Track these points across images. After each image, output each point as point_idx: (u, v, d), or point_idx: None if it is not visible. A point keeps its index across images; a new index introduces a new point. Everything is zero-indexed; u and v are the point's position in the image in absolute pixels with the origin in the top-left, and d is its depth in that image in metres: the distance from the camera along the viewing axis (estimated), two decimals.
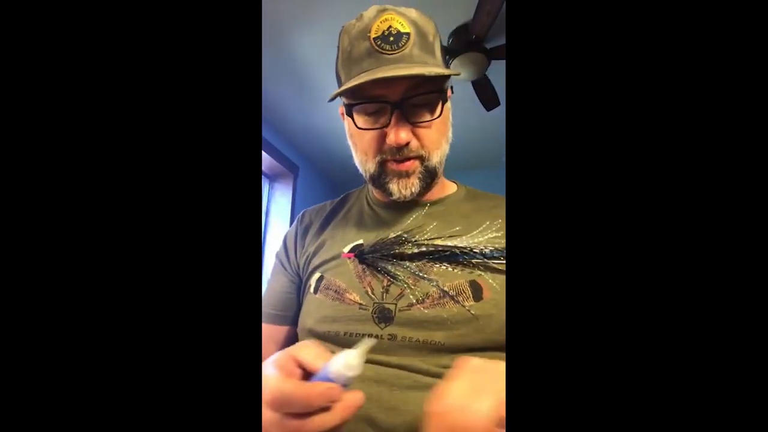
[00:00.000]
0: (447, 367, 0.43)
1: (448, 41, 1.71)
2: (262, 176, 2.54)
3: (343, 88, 0.49)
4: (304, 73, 1.94)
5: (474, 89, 1.89)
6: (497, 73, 1.82)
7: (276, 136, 2.47)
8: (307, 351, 0.30)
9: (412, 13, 0.51)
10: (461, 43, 1.66)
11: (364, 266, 0.48)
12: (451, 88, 0.58)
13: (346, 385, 0.29)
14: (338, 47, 0.53)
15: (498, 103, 1.98)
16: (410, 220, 0.53)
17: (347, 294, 0.49)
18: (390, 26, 0.48)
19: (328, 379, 0.29)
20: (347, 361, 0.29)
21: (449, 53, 1.69)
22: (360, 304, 0.48)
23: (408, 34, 0.48)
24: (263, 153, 2.29)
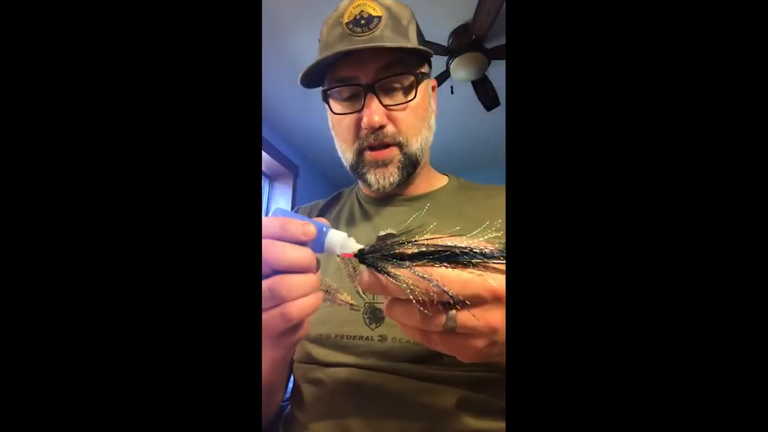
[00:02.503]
0: (437, 371, 0.42)
1: (448, 41, 1.71)
2: (262, 176, 2.54)
3: (308, 66, 0.49)
4: None
5: (474, 89, 1.90)
6: (497, 73, 1.82)
7: (276, 136, 2.47)
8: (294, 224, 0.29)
9: (387, 0, 0.51)
10: (461, 43, 1.66)
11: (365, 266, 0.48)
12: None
13: (322, 253, 0.30)
14: (319, 40, 0.54)
15: (498, 103, 1.98)
16: (411, 219, 0.53)
17: (338, 294, 0.48)
18: (362, 11, 0.49)
19: (320, 242, 0.29)
20: (346, 242, 0.29)
21: (449, 53, 1.69)
22: (351, 304, 0.47)
23: (379, 17, 0.49)
24: (263, 153, 2.29)
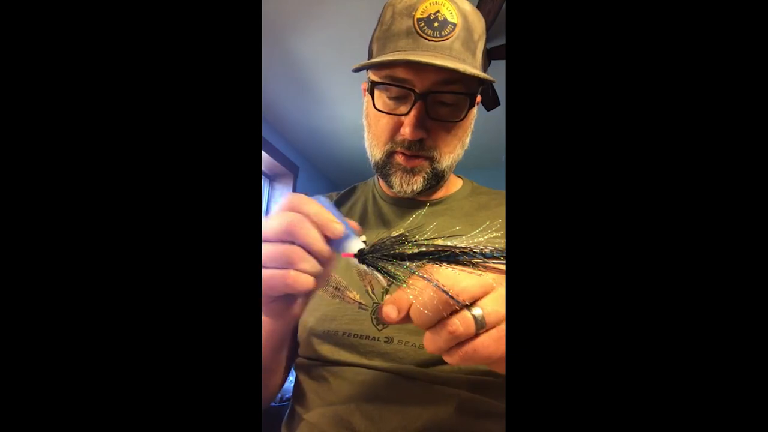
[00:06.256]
0: (440, 374, 0.43)
1: None
2: (262, 176, 2.54)
3: (372, 61, 0.46)
4: (304, 73, 1.94)
5: None
6: (497, 73, 1.82)
7: (276, 136, 2.47)
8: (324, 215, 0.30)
9: (466, 5, 0.47)
10: None
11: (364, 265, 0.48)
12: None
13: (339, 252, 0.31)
14: (379, 20, 0.50)
15: (498, 103, 1.98)
16: (410, 219, 0.53)
17: (347, 292, 0.48)
18: (438, 11, 0.45)
19: (340, 243, 0.31)
20: (358, 245, 0.30)
21: None
22: (360, 303, 0.47)
23: (454, 24, 0.45)
24: (263, 153, 2.29)
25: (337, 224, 0.30)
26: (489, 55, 1.68)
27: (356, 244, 0.31)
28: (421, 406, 0.41)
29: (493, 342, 0.26)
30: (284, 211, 0.30)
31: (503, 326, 0.26)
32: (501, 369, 0.28)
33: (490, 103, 1.98)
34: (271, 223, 0.30)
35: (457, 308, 0.25)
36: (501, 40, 1.66)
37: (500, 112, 2.10)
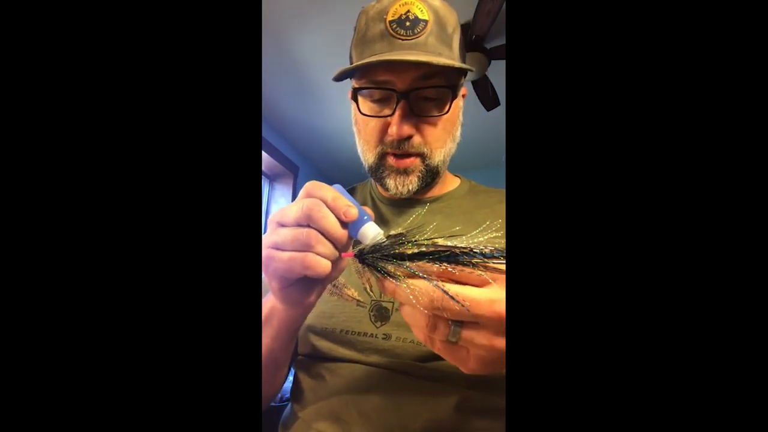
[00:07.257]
0: (438, 370, 0.43)
1: None
2: (262, 176, 2.54)
3: (348, 67, 0.47)
4: (304, 73, 1.94)
5: (474, 89, 1.89)
6: (497, 73, 1.82)
7: (276, 136, 2.47)
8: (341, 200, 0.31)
9: (435, 1, 0.48)
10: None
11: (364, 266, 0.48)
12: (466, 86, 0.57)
13: (353, 238, 0.32)
14: (355, 28, 0.52)
15: (498, 103, 1.98)
16: (410, 220, 0.53)
17: (345, 289, 0.48)
18: (408, 10, 0.46)
19: (356, 228, 0.31)
20: (377, 238, 0.31)
21: None
22: (358, 300, 0.47)
23: (426, 21, 0.46)
24: (263, 153, 2.29)
25: (352, 208, 0.31)
26: (489, 55, 1.68)
27: (372, 229, 0.31)
28: (420, 403, 0.41)
29: (446, 351, 0.28)
30: (302, 197, 0.31)
31: (468, 351, 0.27)
32: (465, 368, 0.29)
33: (490, 103, 1.98)
34: (291, 208, 0.31)
35: (457, 308, 0.25)
36: (501, 40, 1.66)
37: (500, 112, 2.10)
